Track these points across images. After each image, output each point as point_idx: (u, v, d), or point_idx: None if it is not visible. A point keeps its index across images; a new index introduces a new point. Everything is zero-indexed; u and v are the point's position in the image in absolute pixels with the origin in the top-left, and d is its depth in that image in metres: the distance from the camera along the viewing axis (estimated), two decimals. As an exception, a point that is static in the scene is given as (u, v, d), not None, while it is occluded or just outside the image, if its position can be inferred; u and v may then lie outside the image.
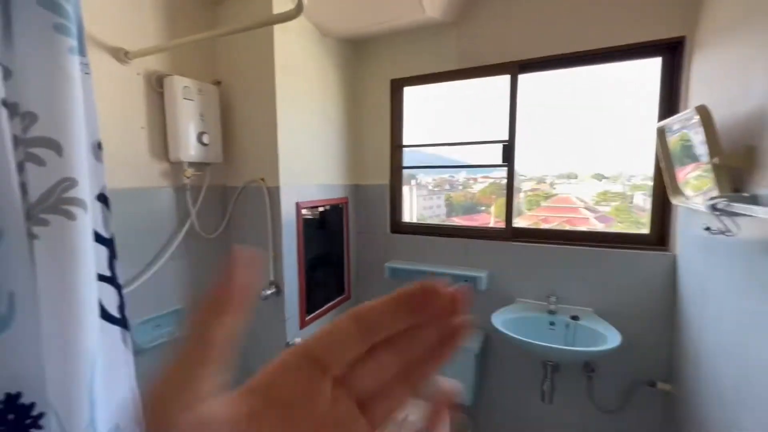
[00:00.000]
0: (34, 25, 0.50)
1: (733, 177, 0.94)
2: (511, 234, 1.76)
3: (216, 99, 1.49)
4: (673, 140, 1.19)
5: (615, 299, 1.55)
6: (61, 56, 0.51)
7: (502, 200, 1.81)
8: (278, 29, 1.46)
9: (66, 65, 0.52)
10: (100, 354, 0.55)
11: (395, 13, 1.62)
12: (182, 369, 0.18)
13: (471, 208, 2.10)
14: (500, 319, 1.57)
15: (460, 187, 2.17)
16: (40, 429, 0.51)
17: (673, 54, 1.43)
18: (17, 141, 0.49)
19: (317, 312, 1.77)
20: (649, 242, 1.54)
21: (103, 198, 0.60)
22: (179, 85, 1.34)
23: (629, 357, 1.52)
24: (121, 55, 1.22)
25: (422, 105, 1.99)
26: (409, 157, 2.02)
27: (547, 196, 1.90)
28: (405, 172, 2.02)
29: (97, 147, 0.59)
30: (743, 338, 0.94)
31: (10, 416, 0.49)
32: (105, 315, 0.59)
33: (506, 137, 1.72)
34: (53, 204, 0.50)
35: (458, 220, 2.11)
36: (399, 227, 2.02)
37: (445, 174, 2.18)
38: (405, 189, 2.04)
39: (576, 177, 1.86)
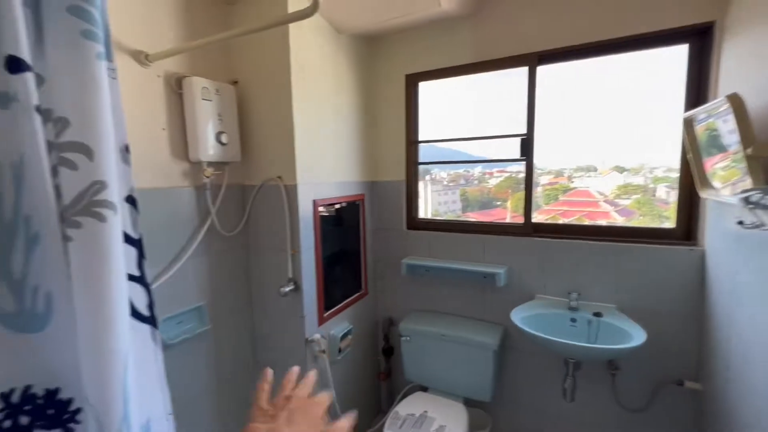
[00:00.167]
0: (64, 32, 0.51)
1: (766, 168, 0.90)
2: (530, 229, 1.73)
3: (233, 98, 1.50)
4: (699, 130, 1.15)
5: (639, 295, 1.51)
6: (90, 62, 0.52)
7: (518, 195, 1.78)
8: (293, 27, 1.46)
9: (95, 71, 0.53)
10: (131, 351, 0.56)
11: (411, 7, 1.60)
12: None
13: (487, 203, 2.08)
14: (519, 316, 1.55)
15: (476, 182, 2.14)
16: (78, 423, 0.52)
17: (701, 40, 1.37)
18: (50, 146, 0.50)
19: (335, 308, 1.78)
20: (675, 237, 1.49)
21: (131, 200, 0.61)
22: (198, 86, 1.36)
23: (655, 355, 1.48)
24: (142, 58, 1.25)
25: (438, 100, 1.97)
26: (424, 152, 2.00)
27: (565, 190, 1.86)
28: (420, 167, 2.01)
29: (125, 150, 0.61)
30: (779, 336, 0.90)
31: (50, 411, 0.51)
32: (135, 313, 0.61)
33: (524, 131, 1.69)
34: (85, 207, 0.51)
35: (474, 216, 2.09)
36: (415, 224, 2.02)
37: (461, 169, 2.16)
38: (420, 185, 2.03)
39: (595, 170, 1.81)
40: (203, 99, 1.38)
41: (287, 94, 1.48)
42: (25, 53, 0.47)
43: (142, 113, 1.27)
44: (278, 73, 1.49)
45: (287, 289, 1.53)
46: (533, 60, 1.62)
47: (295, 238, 1.55)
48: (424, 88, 1.94)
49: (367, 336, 2.09)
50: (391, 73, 1.94)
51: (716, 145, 1.05)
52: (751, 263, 1.06)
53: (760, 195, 0.83)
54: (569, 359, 1.53)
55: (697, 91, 1.39)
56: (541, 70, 1.63)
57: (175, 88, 1.36)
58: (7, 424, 0.48)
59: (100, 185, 0.52)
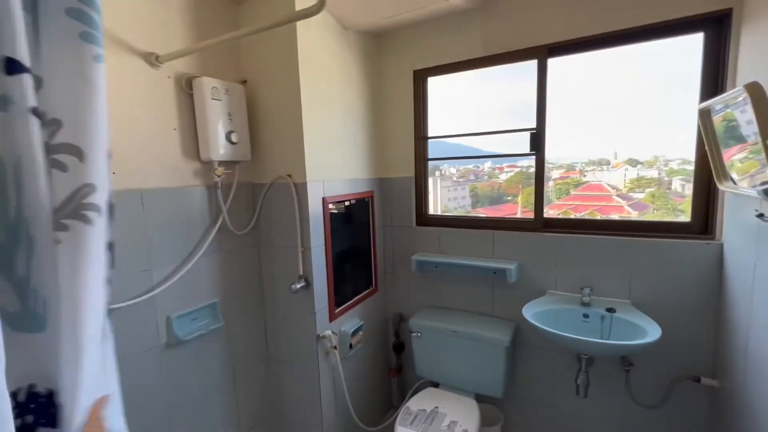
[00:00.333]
0: (62, 34, 0.51)
1: (788, 159, 0.87)
2: (541, 224, 1.71)
3: (242, 98, 1.52)
4: (716, 121, 1.12)
5: (654, 291, 1.49)
6: (87, 64, 0.52)
7: (529, 190, 1.76)
8: (300, 25, 1.46)
9: (92, 73, 0.53)
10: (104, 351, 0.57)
11: (419, 1, 1.58)
12: None
13: (497, 199, 2.06)
14: (531, 312, 1.54)
15: (486, 177, 2.13)
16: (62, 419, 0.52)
17: (717, 29, 1.33)
18: (45, 148, 0.49)
19: (346, 305, 1.79)
20: (691, 230, 1.46)
21: (110, 205, 0.59)
22: (208, 86, 1.37)
23: (670, 351, 1.46)
24: (153, 60, 1.26)
25: (447, 95, 1.95)
26: (433, 147, 1.99)
27: (577, 184, 1.84)
28: (429, 163, 2.00)
29: (108, 155, 0.58)
30: (800, 331, 0.88)
31: (52, 410, 0.51)
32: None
33: (534, 125, 1.67)
34: (74, 209, 0.51)
35: (484, 211, 2.07)
36: (425, 220, 2.01)
37: (470, 164, 2.14)
38: (429, 181, 2.02)
39: (608, 163, 1.78)
40: (213, 99, 1.39)
41: (296, 92, 1.49)
42: (23, 55, 0.46)
43: (153, 114, 1.29)
44: (286, 71, 1.49)
45: (298, 286, 1.54)
46: (543, 53, 1.60)
47: (305, 235, 1.56)
48: (433, 83, 1.93)
49: (378, 332, 2.10)
50: (399, 69, 1.93)
51: (734, 136, 1.03)
52: (771, 257, 1.03)
53: (781, 187, 0.81)
54: (582, 355, 1.52)
55: (714, 81, 1.35)
56: (552, 63, 1.61)
57: (186, 88, 1.38)
58: (17, 423, 0.48)
59: (89, 188, 0.52)
